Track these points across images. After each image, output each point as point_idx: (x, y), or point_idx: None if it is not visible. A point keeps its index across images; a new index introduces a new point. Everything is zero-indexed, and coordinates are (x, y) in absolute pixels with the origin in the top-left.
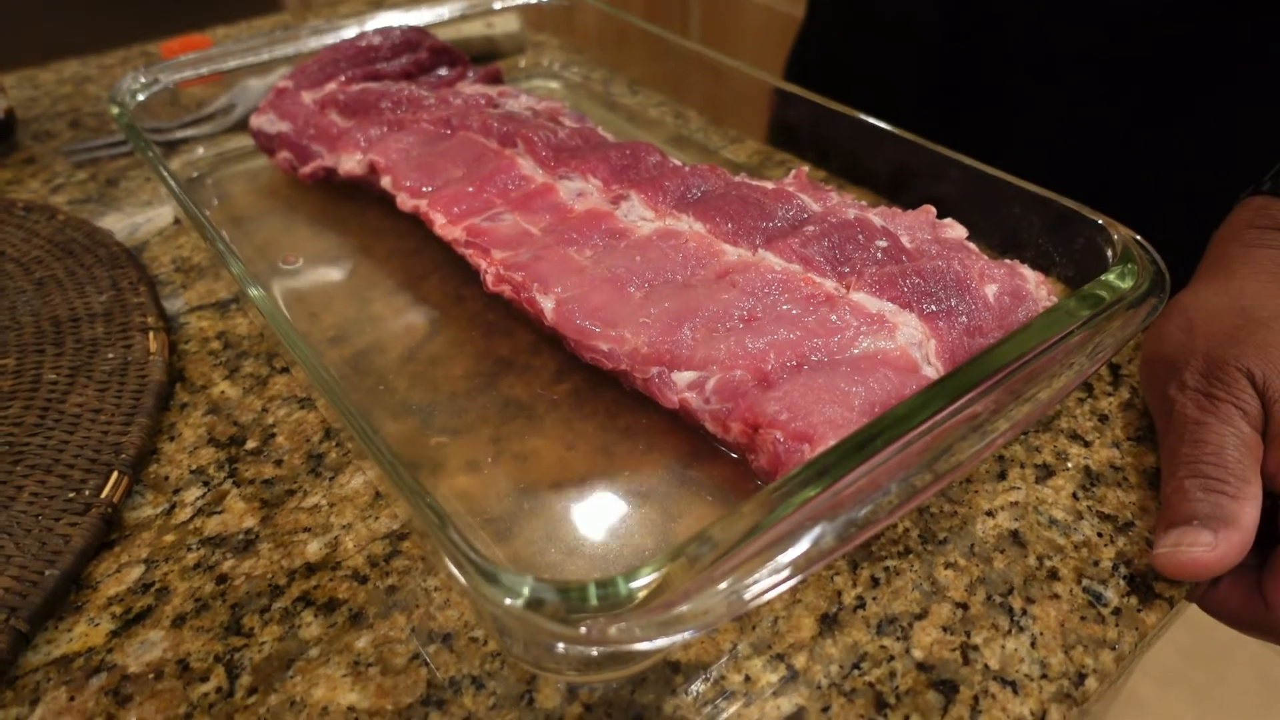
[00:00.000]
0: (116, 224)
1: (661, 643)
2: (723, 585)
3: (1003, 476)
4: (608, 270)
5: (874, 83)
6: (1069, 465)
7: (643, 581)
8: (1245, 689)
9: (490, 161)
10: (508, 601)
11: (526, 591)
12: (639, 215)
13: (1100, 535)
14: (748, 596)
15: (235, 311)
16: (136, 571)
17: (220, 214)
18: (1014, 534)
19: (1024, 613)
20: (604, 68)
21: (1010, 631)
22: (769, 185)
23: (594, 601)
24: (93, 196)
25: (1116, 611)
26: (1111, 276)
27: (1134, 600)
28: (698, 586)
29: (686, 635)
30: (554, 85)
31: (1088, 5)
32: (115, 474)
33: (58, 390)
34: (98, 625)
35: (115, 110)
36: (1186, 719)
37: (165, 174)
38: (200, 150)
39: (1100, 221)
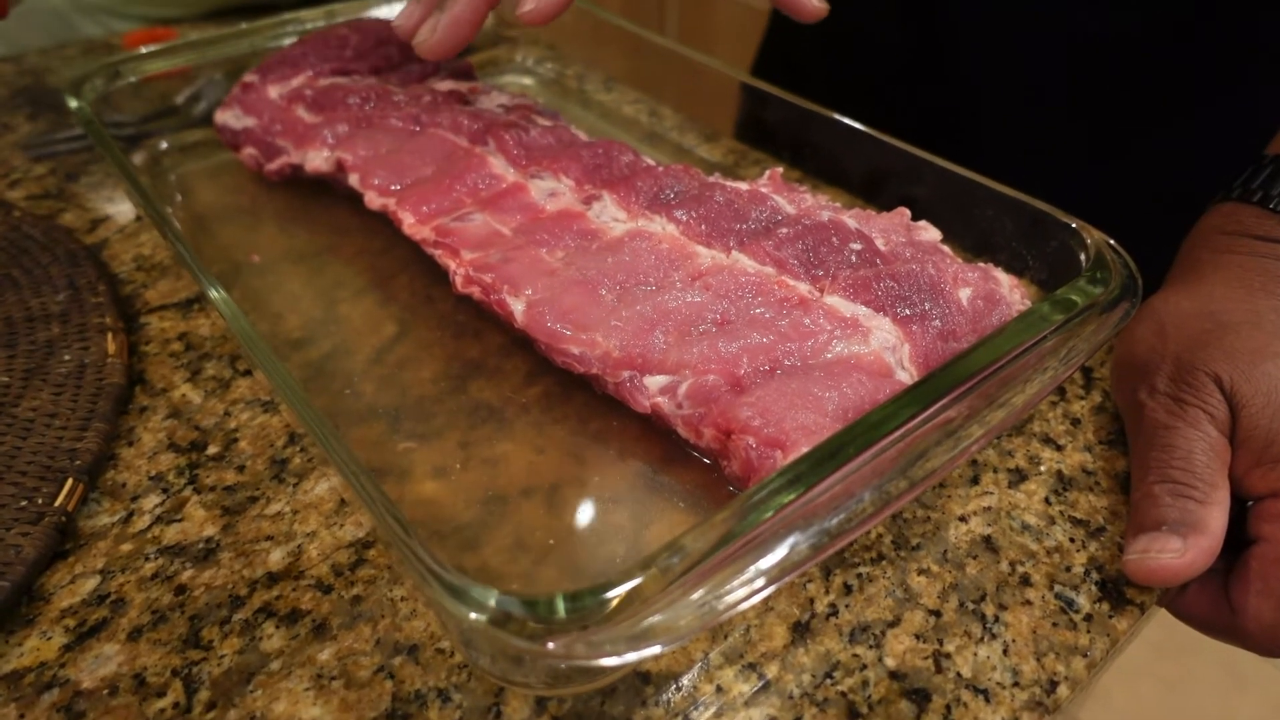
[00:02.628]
0: (76, 220)
1: (631, 658)
2: (694, 596)
3: (976, 481)
4: (579, 272)
5: (836, 97)
6: (1042, 469)
7: (612, 593)
8: (1213, 682)
9: (460, 160)
10: (472, 616)
11: (492, 604)
12: (611, 216)
13: (1072, 540)
14: (719, 608)
15: (198, 312)
16: (91, 582)
17: (183, 211)
18: (987, 539)
19: (996, 620)
20: (579, 63)
21: (983, 639)
22: (743, 186)
23: (562, 615)
24: (51, 192)
25: (1088, 618)
26: (1084, 281)
27: (1105, 606)
28: (669, 598)
29: (657, 650)
30: (527, 81)
31: (1052, 24)
32: (70, 481)
33: (10, 394)
34: (50, 639)
35: (74, 104)
36: (1155, 713)
37: (125, 169)
38: (164, 145)
39: (1074, 225)
